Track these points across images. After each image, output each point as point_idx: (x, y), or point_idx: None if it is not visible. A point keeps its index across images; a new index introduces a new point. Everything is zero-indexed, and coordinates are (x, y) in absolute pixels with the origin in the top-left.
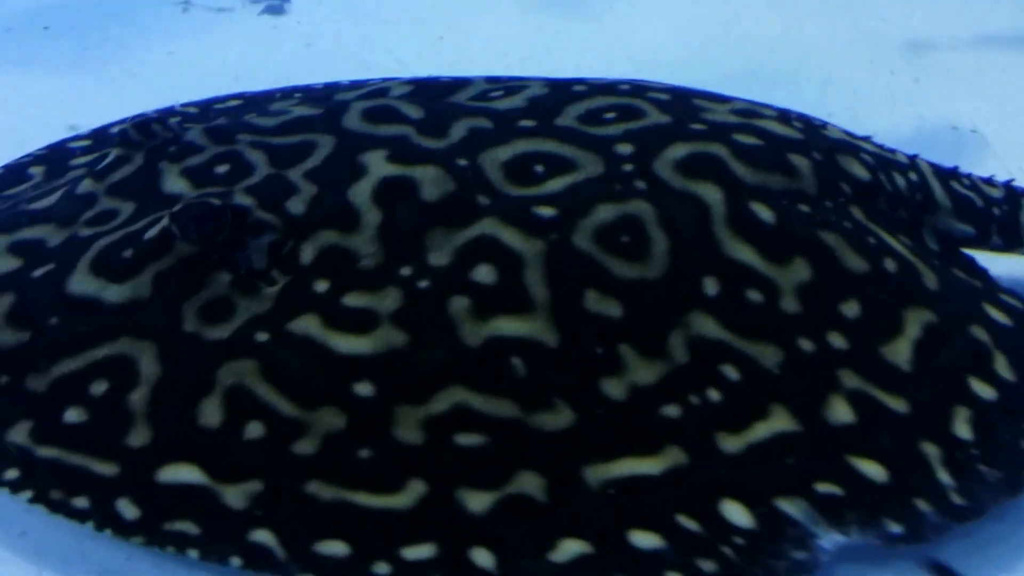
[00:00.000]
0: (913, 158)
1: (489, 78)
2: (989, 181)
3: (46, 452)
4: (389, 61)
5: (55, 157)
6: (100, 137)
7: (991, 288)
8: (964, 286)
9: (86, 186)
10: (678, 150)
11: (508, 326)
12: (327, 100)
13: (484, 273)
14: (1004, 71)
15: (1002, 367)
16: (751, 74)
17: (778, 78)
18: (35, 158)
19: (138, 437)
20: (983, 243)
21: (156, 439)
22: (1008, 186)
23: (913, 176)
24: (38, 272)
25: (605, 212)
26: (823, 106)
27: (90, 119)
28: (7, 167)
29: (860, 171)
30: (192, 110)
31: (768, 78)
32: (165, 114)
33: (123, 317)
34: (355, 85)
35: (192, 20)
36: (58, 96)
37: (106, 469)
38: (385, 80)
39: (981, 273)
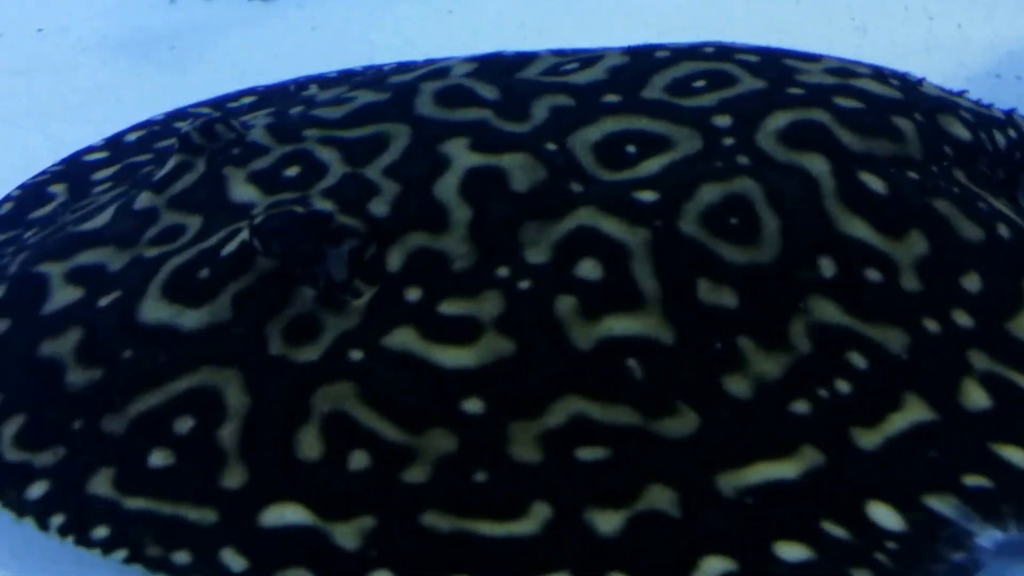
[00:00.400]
0: (1010, 113)
1: (555, 51)
2: None
3: (135, 503)
4: (399, 41)
5: (74, 172)
6: (115, 147)
7: None
8: None
9: (145, 200)
10: (779, 119)
11: (620, 325)
12: (387, 84)
13: (588, 268)
14: None
15: None
16: (781, 30)
17: (811, 31)
18: (52, 175)
19: (234, 477)
20: None
21: (253, 478)
22: None
23: (1012, 133)
24: (104, 302)
25: (710, 193)
26: (861, 56)
27: (100, 127)
28: (23, 187)
29: (961, 131)
30: (205, 111)
31: (799, 32)
32: (173, 118)
33: (203, 344)
34: (402, 68)
35: (185, 13)
36: (58, 103)
37: (203, 516)
38: (428, 61)
39: None
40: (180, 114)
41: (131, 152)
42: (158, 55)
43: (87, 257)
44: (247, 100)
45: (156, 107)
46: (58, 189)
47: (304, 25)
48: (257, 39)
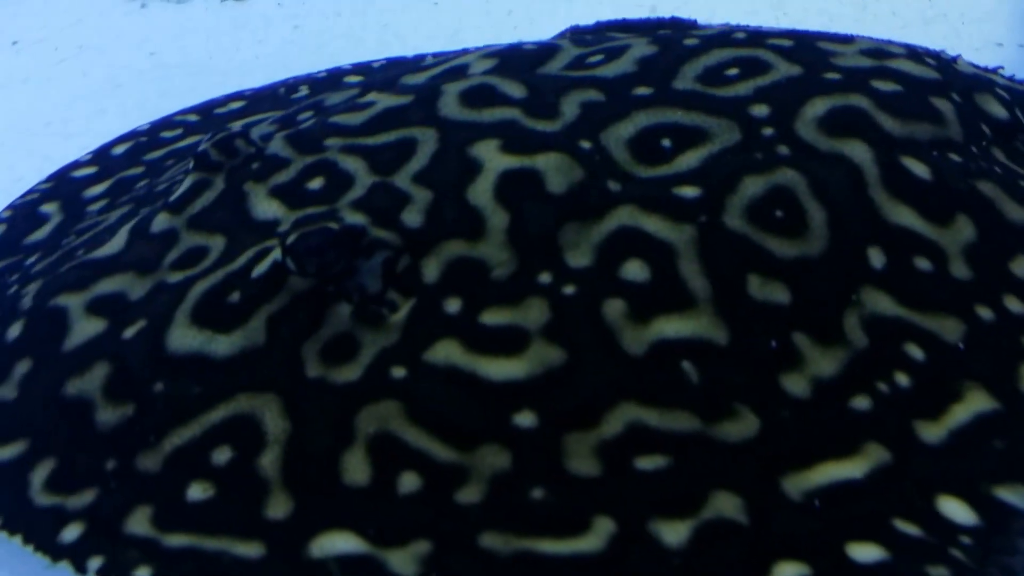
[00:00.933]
0: None
1: (576, 38)
2: None
3: (176, 540)
4: (386, 35)
5: (64, 190)
6: (103, 160)
7: None
8: None
9: (163, 222)
10: (818, 106)
11: (672, 327)
12: (405, 86)
13: (635, 270)
14: None
15: None
16: (778, 6)
17: (810, 5)
18: (42, 194)
19: (279, 507)
20: None
21: (300, 507)
22: None
23: None
24: (129, 333)
25: (753, 186)
26: (862, 29)
27: (82, 139)
28: (14, 207)
29: (998, 109)
30: (192, 118)
31: (797, 5)
32: (159, 127)
33: (237, 371)
34: (395, 64)
35: (158, 17)
36: (39, 117)
37: (251, 550)
38: (419, 57)
39: None
40: (166, 123)
41: (120, 166)
42: (137, 62)
43: (106, 286)
44: (235, 105)
45: (140, 116)
46: (51, 209)
47: (286, 24)
48: (238, 41)
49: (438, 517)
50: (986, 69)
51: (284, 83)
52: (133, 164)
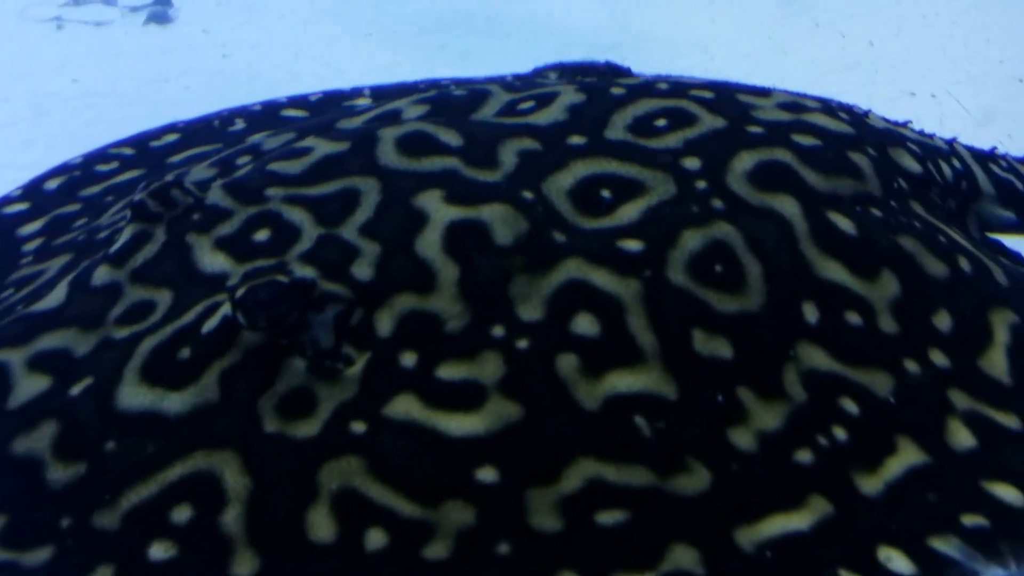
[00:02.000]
0: (951, 143)
1: (505, 84)
2: (1021, 160)
3: None
4: (319, 66)
5: None
6: (35, 196)
7: None
8: (1022, 276)
9: (104, 275)
10: (745, 160)
11: (623, 382)
12: (341, 131)
13: (585, 324)
14: (954, 27)
15: None
16: (702, 50)
17: (731, 50)
18: None
19: (245, 565)
20: (1023, 228)
21: (266, 564)
22: None
23: (956, 163)
24: (75, 390)
25: (692, 240)
26: (782, 75)
27: (6, 173)
28: None
29: (912, 163)
30: (127, 151)
31: (719, 51)
32: (92, 160)
33: (192, 428)
34: (331, 99)
35: (77, 39)
36: None
37: None
38: (355, 90)
39: (1019, 258)
40: (101, 156)
41: (55, 202)
42: (60, 89)
43: (48, 342)
44: (170, 138)
45: (71, 148)
46: None
47: (214, 52)
48: (166, 68)
49: (407, 573)
50: (895, 123)
51: (219, 115)
52: (69, 200)
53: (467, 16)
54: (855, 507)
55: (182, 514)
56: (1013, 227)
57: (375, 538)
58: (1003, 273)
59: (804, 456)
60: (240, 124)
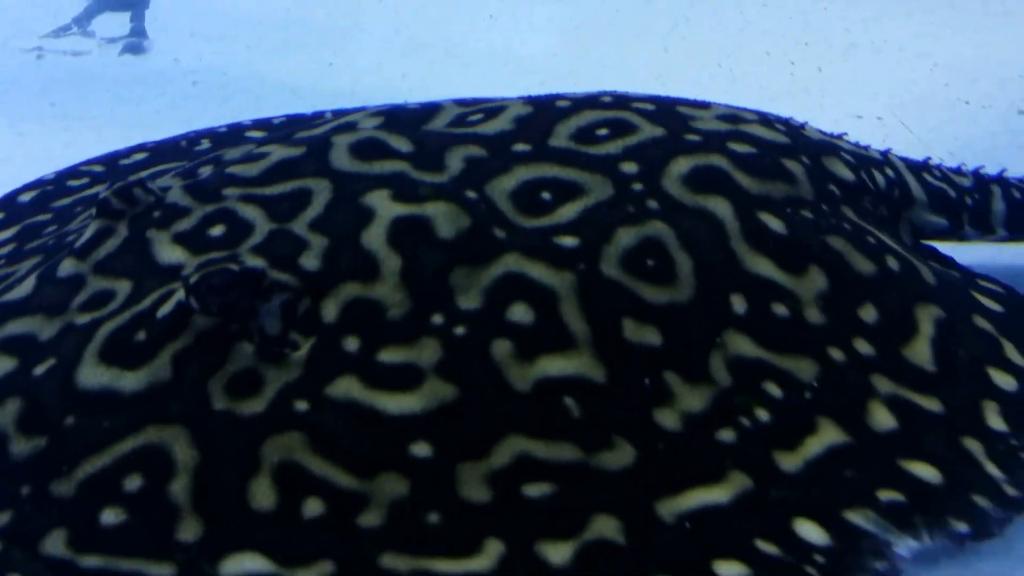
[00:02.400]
0: (886, 153)
1: (458, 101)
2: (958, 171)
3: (91, 561)
4: (284, 93)
5: None
6: (9, 208)
7: (969, 275)
8: (951, 277)
9: (69, 267)
10: (681, 164)
11: (554, 366)
12: (298, 139)
13: (520, 313)
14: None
15: (1012, 354)
16: (654, 77)
17: (683, 77)
18: None
19: (189, 530)
20: (955, 234)
21: (210, 530)
22: (977, 174)
23: (890, 172)
24: (39, 371)
25: (626, 236)
26: (733, 100)
27: None
28: None
29: (845, 172)
30: (97, 168)
31: (672, 78)
32: (65, 176)
33: (145, 405)
34: (294, 121)
35: (56, 68)
36: None
37: (162, 570)
38: (317, 114)
39: (951, 262)
40: (72, 172)
41: (27, 213)
42: (39, 112)
43: (15, 327)
44: (139, 156)
45: (47, 166)
46: None
47: (185, 80)
48: (138, 94)
49: (341, 540)
50: (831, 135)
51: (186, 136)
52: (41, 211)
53: (426, 46)
54: (774, 482)
55: (133, 483)
56: (945, 233)
57: (312, 507)
58: (932, 274)
59: (727, 435)
60: (206, 144)
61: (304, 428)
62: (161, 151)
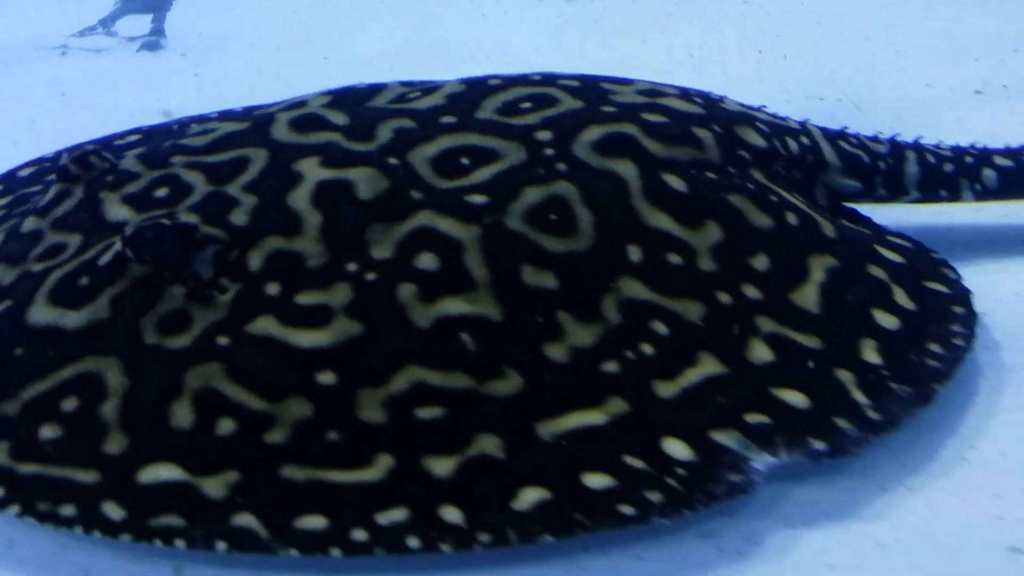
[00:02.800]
0: (804, 123)
1: (404, 82)
2: (875, 139)
3: (27, 468)
4: (278, 84)
5: None
6: (9, 181)
7: (879, 232)
8: (856, 233)
9: (30, 224)
10: (593, 132)
11: (454, 306)
12: (248, 116)
13: (427, 261)
14: (868, 42)
15: (901, 298)
16: (629, 67)
17: (656, 67)
18: None
19: (115, 444)
20: (870, 196)
21: (132, 444)
22: (893, 141)
23: (805, 140)
24: None
25: (532, 195)
26: (700, 87)
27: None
28: None
29: (756, 139)
30: (91, 148)
31: (646, 67)
32: (64, 154)
33: (85, 339)
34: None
35: (75, 63)
36: None
37: (88, 477)
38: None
39: (866, 221)
40: (69, 151)
41: (24, 185)
42: (49, 103)
43: None
44: (133, 138)
45: (52, 149)
46: None
47: (188, 72)
48: (143, 85)
49: (247, 453)
50: (751, 108)
51: (178, 121)
52: (34, 183)
53: (418, 41)
54: (651, 408)
55: (70, 404)
56: (860, 195)
57: (225, 426)
58: (834, 229)
59: (611, 367)
60: (195, 128)
61: (223, 359)
62: (153, 133)
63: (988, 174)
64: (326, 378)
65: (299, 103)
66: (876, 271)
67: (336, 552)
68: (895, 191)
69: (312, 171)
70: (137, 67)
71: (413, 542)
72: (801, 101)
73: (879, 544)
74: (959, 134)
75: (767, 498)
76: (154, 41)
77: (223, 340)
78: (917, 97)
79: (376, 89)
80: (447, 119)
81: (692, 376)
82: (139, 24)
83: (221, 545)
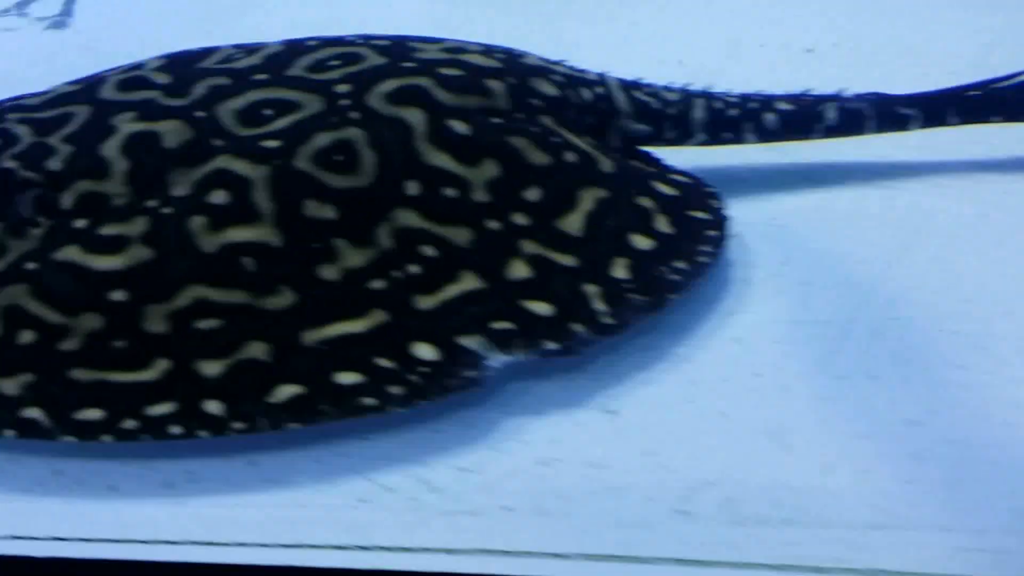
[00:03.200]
0: (602, 75)
1: (236, 45)
2: (668, 87)
3: None
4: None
5: None
6: None
7: (663, 170)
8: (636, 170)
9: None
10: (389, 85)
11: (239, 234)
12: (89, 79)
13: (218, 196)
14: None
15: (662, 224)
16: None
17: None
18: None
19: None
20: (660, 139)
21: None
22: (684, 90)
23: (600, 90)
24: None
25: (322, 139)
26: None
27: None
28: None
29: (549, 89)
30: None
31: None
32: None
33: None
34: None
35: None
36: None
37: None
38: None
39: (655, 161)
40: None
41: None
42: None
43: None
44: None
45: None
46: None
47: (89, 49)
48: (47, 62)
49: (42, 358)
50: (551, 62)
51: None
52: None
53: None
54: (409, 318)
55: None
56: (651, 138)
57: (25, 336)
58: (613, 165)
59: (377, 284)
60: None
61: (30, 281)
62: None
63: (770, 117)
64: (118, 296)
65: (136, 66)
66: (645, 201)
67: (107, 438)
68: (683, 134)
69: (126, 125)
70: (42, 45)
71: (175, 430)
72: (654, 66)
73: (611, 424)
74: (792, 89)
75: (511, 392)
76: (60, 20)
77: (31, 265)
78: (750, 57)
79: (208, 52)
80: (259, 76)
81: (452, 291)
82: (51, 5)
83: (9, 432)
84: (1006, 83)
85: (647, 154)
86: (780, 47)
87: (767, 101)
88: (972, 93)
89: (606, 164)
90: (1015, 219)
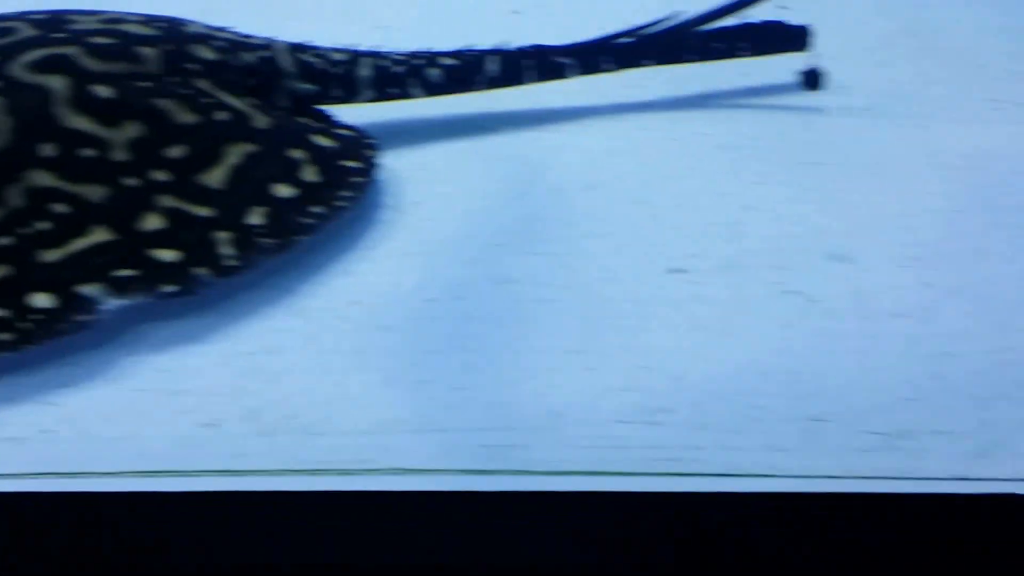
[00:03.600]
0: (271, 39)
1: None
2: (336, 48)
3: None
4: None
5: None
6: None
7: (329, 125)
8: (299, 126)
9: None
10: (34, 54)
11: None
12: None
13: None
14: None
15: (310, 174)
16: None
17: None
18: None
19: None
20: (328, 97)
21: None
22: (352, 50)
23: (266, 53)
24: None
25: None
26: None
27: None
28: None
29: (208, 53)
30: None
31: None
32: None
33: None
34: None
35: None
36: None
37: None
38: None
39: (326, 118)
40: None
41: None
42: None
43: None
44: None
45: None
46: None
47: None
48: None
49: None
50: (216, 28)
51: None
52: None
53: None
54: (32, 270)
55: None
56: (320, 96)
57: None
58: (268, 121)
59: (4, 240)
60: None
61: None
62: None
63: (433, 72)
64: None
65: None
66: (297, 154)
67: None
68: (350, 92)
69: None
70: None
71: None
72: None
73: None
74: None
75: (141, 333)
76: None
77: None
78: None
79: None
80: None
81: (80, 244)
82: None
83: None
84: (654, 28)
85: (320, 111)
86: (489, 9)
87: (432, 57)
88: (623, 40)
89: (262, 121)
90: (644, 151)
